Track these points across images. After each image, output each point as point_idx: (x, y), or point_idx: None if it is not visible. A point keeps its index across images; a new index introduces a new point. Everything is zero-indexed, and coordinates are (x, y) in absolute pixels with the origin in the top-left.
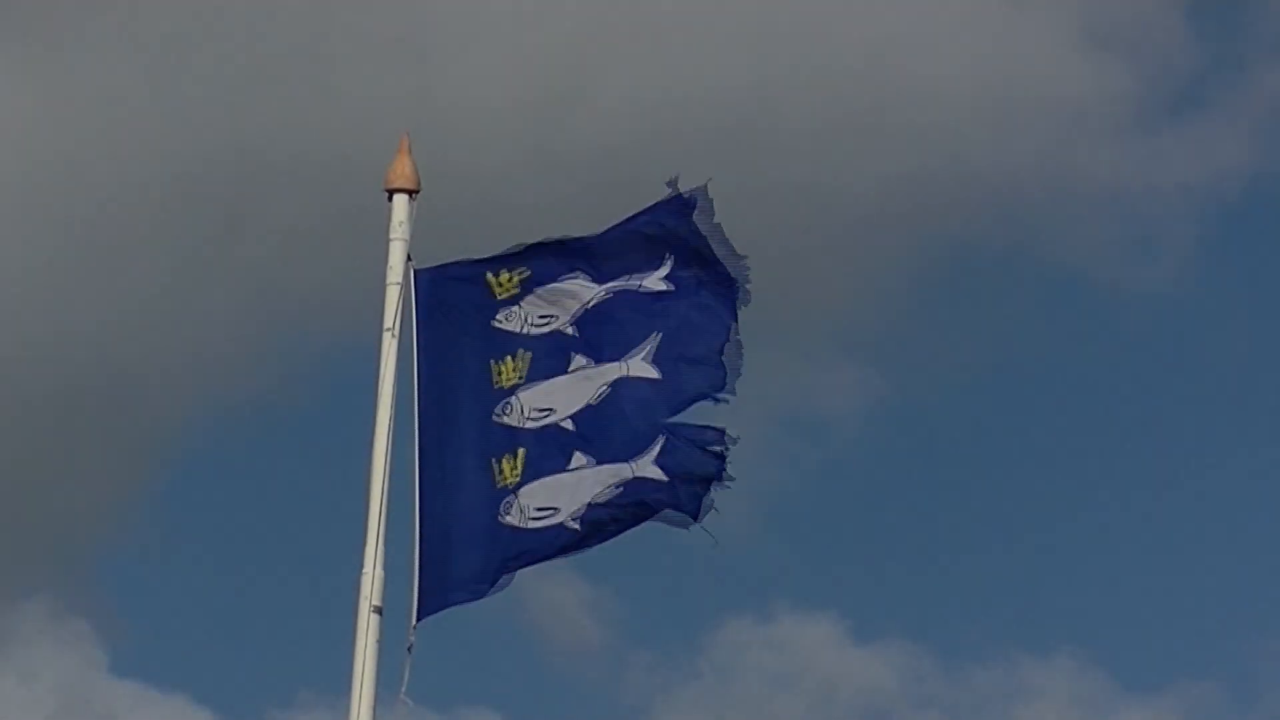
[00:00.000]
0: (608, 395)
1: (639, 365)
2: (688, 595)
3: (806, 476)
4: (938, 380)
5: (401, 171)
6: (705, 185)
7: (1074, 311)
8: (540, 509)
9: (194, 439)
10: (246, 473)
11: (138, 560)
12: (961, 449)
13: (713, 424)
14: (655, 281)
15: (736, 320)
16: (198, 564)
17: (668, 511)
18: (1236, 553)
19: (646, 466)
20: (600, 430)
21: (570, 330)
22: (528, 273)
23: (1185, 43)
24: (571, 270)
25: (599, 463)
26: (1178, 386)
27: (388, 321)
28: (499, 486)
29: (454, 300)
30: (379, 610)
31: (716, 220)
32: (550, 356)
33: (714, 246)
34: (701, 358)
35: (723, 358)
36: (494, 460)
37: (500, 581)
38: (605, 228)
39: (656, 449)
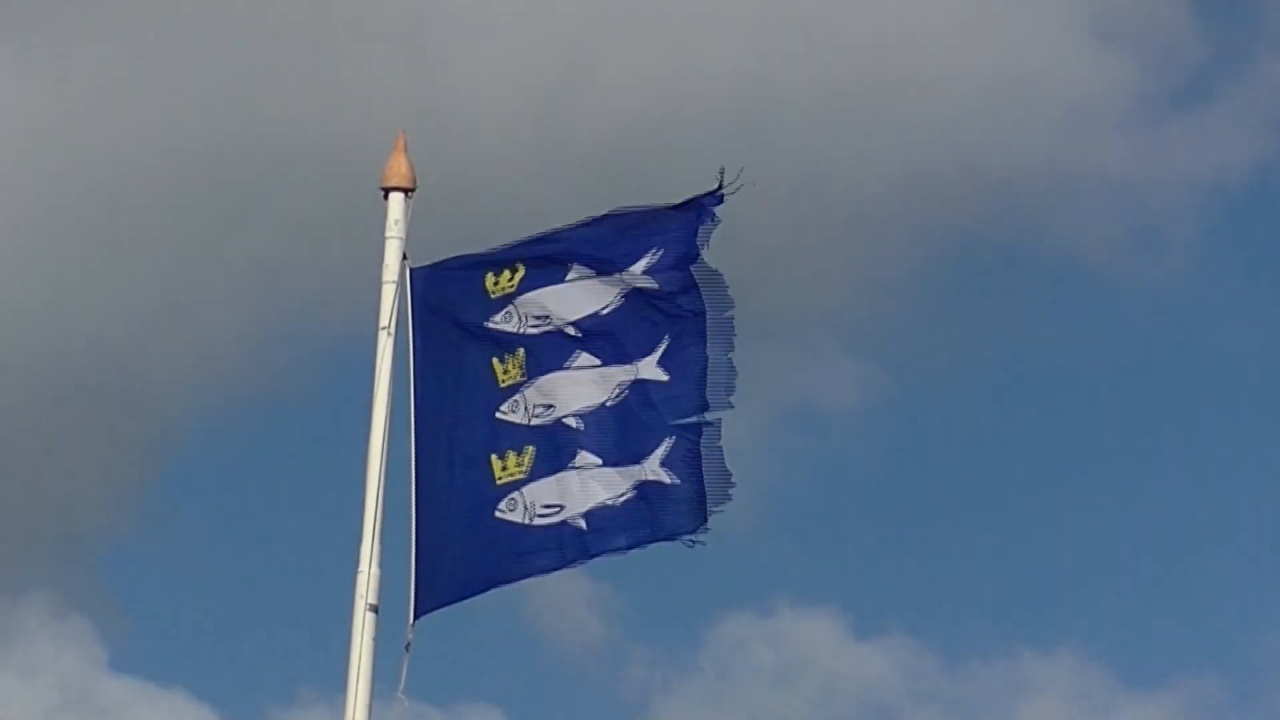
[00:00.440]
0: (621, 398)
1: (650, 368)
2: (688, 591)
3: (808, 472)
4: (941, 375)
5: (397, 170)
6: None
7: (1079, 305)
8: (547, 506)
9: (192, 438)
10: (245, 471)
11: (138, 557)
12: (964, 445)
13: (712, 422)
14: (639, 277)
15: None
16: (197, 561)
17: (677, 535)
18: (1240, 548)
19: (655, 468)
20: (610, 431)
21: (571, 330)
22: (523, 273)
23: (1191, 35)
24: (568, 268)
25: (606, 464)
26: (1183, 380)
27: (383, 320)
28: (499, 483)
29: (450, 298)
30: (375, 609)
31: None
32: (548, 354)
33: (698, 267)
34: (702, 366)
35: (709, 376)
36: (494, 456)
37: (499, 580)
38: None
39: (664, 450)
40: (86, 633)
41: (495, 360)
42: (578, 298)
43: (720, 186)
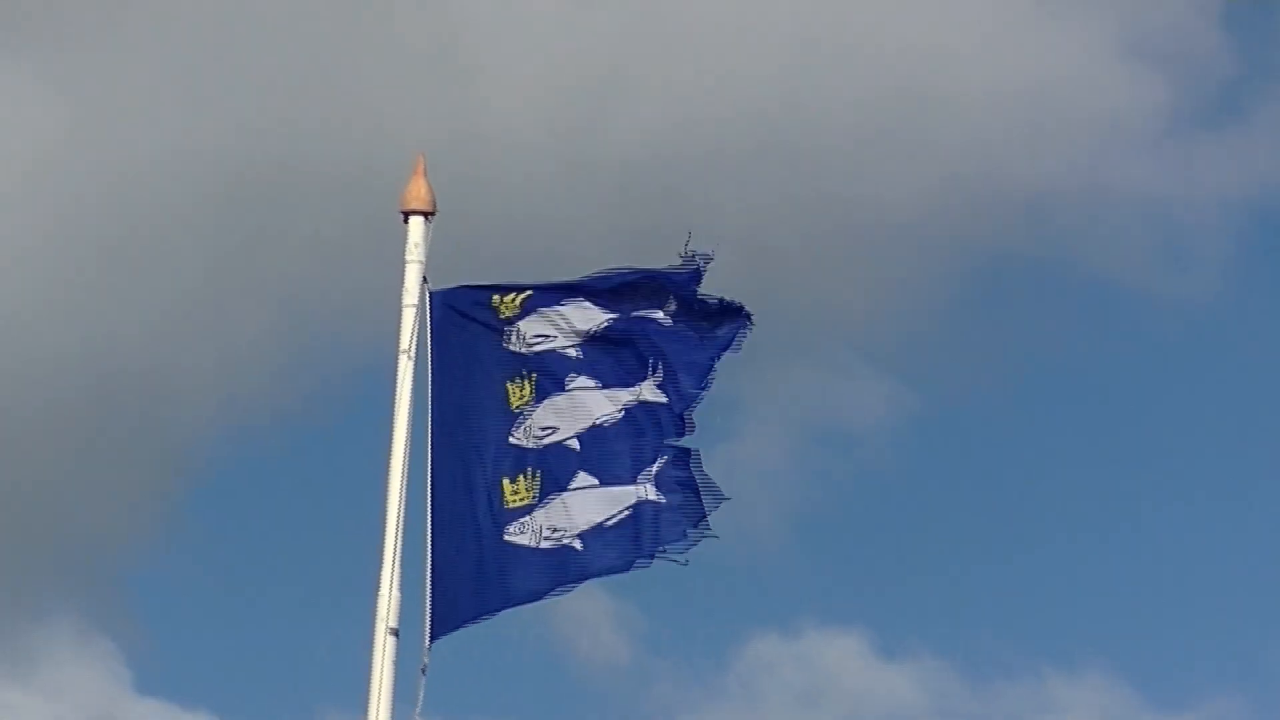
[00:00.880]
0: (620, 419)
1: (650, 390)
2: (714, 610)
3: (835, 490)
4: (969, 393)
5: (417, 193)
6: (710, 251)
7: (1108, 322)
8: (553, 529)
9: (215, 462)
10: (267, 494)
11: (162, 580)
12: (992, 463)
13: (686, 445)
14: (661, 316)
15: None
16: (220, 583)
17: (667, 554)
18: (1270, 568)
19: (648, 487)
20: (607, 452)
21: (572, 352)
22: (530, 294)
23: (1221, 53)
24: (574, 296)
25: (603, 484)
26: (1212, 397)
27: (403, 343)
28: (509, 507)
29: (468, 322)
30: (395, 632)
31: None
32: (549, 376)
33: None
34: (694, 390)
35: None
36: (505, 480)
37: (509, 603)
38: (613, 271)
39: (655, 469)
40: (111, 655)
41: (509, 383)
42: (579, 316)
43: (691, 268)
